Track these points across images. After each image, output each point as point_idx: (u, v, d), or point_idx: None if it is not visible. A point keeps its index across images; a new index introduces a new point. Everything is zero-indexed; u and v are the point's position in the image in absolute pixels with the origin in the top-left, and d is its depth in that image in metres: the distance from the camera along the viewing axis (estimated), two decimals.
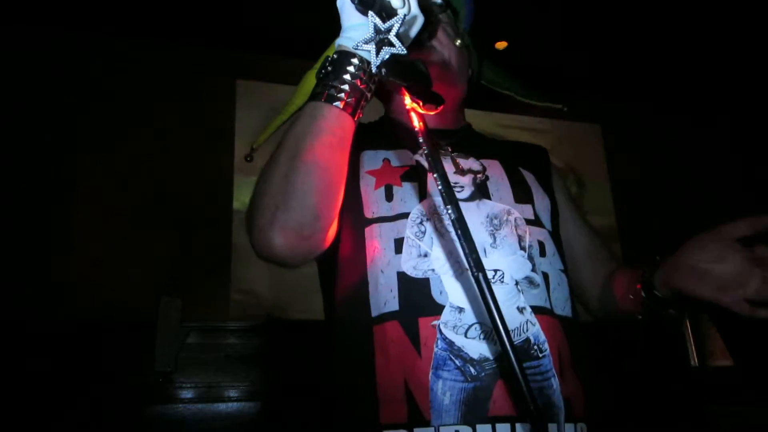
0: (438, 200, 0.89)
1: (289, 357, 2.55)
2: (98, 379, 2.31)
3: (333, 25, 0.91)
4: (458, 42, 1.05)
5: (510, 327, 0.81)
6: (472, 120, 1.16)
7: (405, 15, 0.72)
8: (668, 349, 3.26)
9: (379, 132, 0.91)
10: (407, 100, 0.72)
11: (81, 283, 2.69)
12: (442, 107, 0.73)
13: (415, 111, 0.72)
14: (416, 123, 0.71)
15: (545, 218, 0.97)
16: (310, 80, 0.97)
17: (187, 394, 2.39)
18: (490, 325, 0.80)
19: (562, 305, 0.91)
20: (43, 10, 2.94)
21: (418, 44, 0.84)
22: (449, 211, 0.63)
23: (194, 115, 3.20)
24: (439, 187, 0.64)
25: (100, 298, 2.66)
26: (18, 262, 2.65)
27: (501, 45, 3.53)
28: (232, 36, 3.27)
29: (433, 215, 0.89)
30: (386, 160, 0.95)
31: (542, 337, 0.84)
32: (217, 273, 2.96)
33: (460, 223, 0.62)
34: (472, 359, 0.80)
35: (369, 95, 0.79)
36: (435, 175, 0.65)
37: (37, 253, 2.70)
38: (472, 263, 0.61)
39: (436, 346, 0.80)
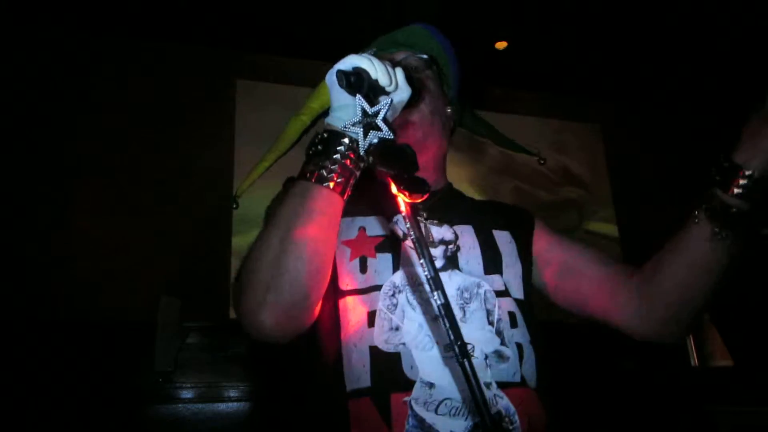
0: (412, 270, 0.90)
1: (289, 357, 2.55)
2: (98, 379, 2.30)
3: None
4: (449, 110, 1.07)
5: None
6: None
7: (392, 100, 0.74)
8: (668, 349, 3.26)
9: (358, 195, 0.88)
10: (393, 188, 0.73)
11: (81, 283, 2.69)
12: (428, 195, 0.74)
13: (402, 198, 0.73)
14: (403, 209, 0.72)
15: (515, 286, 0.97)
16: (294, 126, 0.97)
17: (187, 394, 2.39)
18: (460, 401, 0.81)
19: (531, 376, 0.91)
20: (44, 10, 2.94)
21: (405, 107, 0.86)
22: (436, 298, 0.66)
23: (194, 115, 3.19)
24: (426, 274, 0.67)
25: (100, 298, 2.66)
26: (18, 262, 2.65)
27: (501, 45, 3.53)
28: (232, 36, 3.26)
29: (405, 287, 0.89)
30: (362, 229, 0.96)
31: (512, 409, 0.84)
32: (217, 273, 2.96)
33: (447, 309, 0.66)
34: None
35: (358, 173, 0.80)
36: (422, 261, 0.68)
37: (37, 253, 2.70)
38: (457, 351, 0.65)
39: (407, 424, 0.81)
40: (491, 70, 3.62)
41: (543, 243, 1.06)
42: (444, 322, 0.66)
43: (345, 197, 0.80)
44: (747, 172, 0.83)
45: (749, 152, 0.83)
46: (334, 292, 0.90)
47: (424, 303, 0.88)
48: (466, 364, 0.63)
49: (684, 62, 3.69)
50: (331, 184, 0.77)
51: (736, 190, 0.83)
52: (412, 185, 0.72)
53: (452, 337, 0.65)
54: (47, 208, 2.80)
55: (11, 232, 2.68)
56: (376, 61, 0.76)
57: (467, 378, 0.63)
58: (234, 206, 1.09)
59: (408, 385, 0.82)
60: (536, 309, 1.01)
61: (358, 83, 0.73)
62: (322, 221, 0.78)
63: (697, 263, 0.89)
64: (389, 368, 0.83)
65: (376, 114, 0.72)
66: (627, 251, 3.94)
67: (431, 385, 0.82)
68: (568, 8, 3.16)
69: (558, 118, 4.05)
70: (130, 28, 3.14)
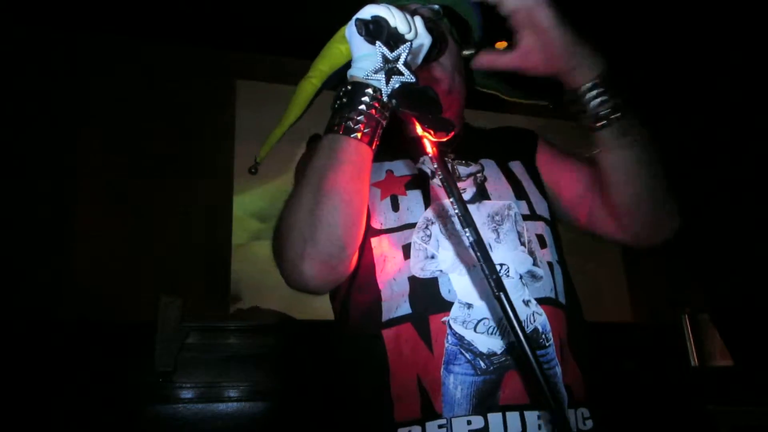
0: (442, 203, 0.92)
1: (290, 357, 2.55)
2: (98, 379, 2.30)
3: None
4: (465, 53, 1.08)
5: None
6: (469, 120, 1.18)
7: (412, 42, 0.74)
8: (668, 349, 3.26)
9: (382, 143, 0.90)
10: (419, 129, 0.74)
11: (81, 283, 2.69)
12: (453, 133, 0.74)
13: (427, 138, 0.74)
14: (429, 150, 0.74)
15: (541, 209, 0.99)
16: (304, 90, 0.98)
17: (187, 394, 2.39)
18: (497, 321, 0.83)
19: (562, 294, 0.93)
20: (44, 10, 2.94)
21: (427, 61, 0.87)
22: (467, 234, 0.68)
23: (194, 115, 3.19)
24: (456, 212, 0.69)
25: (100, 298, 2.66)
26: (18, 262, 2.65)
27: (501, 45, 3.53)
28: (232, 36, 3.26)
29: (438, 218, 0.91)
30: (389, 171, 0.98)
31: (548, 326, 0.87)
32: (217, 272, 2.96)
33: (480, 245, 0.67)
34: (481, 353, 0.83)
35: (384, 122, 0.81)
36: (451, 199, 0.69)
37: (37, 253, 2.70)
38: (493, 284, 0.65)
39: (447, 342, 0.83)
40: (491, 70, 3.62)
41: (545, 162, 1.09)
42: (477, 257, 0.67)
43: (373, 147, 0.82)
44: (583, 88, 0.88)
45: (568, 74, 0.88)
46: (368, 232, 0.92)
47: (458, 233, 0.89)
48: (502, 296, 0.64)
49: (684, 63, 3.69)
50: (359, 135, 0.79)
51: (590, 101, 0.91)
52: (436, 125, 0.73)
53: (487, 272, 0.66)
54: (47, 208, 2.80)
55: (12, 232, 2.68)
56: (394, 9, 0.77)
57: (504, 311, 0.64)
58: (253, 171, 1.10)
59: (446, 306, 0.85)
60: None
61: (377, 31, 0.74)
62: (352, 172, 0.81)
63: (614, 164, 0.95)
64: (427, 293, 0.86)
65: (397, 59, 0.72)
66: (627, 250, 3.94)
67: (469, 306, 0.85)
68: (568, 8, 3.16)
69: (558, 118, 4.05)
70: (130, 29, 3.14)
